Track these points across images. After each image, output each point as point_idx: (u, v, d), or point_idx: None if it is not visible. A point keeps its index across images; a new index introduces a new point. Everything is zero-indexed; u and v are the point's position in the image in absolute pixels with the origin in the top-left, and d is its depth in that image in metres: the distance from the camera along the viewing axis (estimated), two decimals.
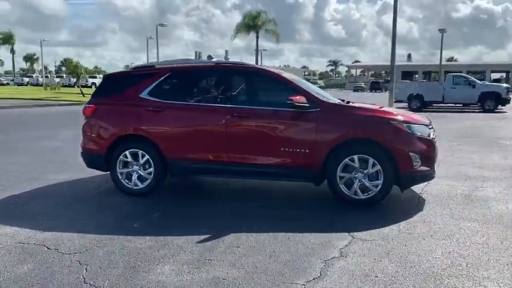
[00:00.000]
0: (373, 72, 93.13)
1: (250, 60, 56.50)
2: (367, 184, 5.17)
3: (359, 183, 5.18)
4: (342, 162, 5.16)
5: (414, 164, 5.10)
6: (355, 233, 4.33)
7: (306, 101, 5.22)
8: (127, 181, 5.75)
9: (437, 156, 5.56)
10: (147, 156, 5.65)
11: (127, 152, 5.70)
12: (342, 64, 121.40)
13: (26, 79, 67.25)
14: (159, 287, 3.23)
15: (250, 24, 49.17)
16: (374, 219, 4.75)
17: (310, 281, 3.32)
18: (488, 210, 5.13)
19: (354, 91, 64.21)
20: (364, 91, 64.06)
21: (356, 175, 5.18)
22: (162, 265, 3.60)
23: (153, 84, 5.77)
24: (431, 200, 5.58)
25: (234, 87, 5.70)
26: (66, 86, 57.38)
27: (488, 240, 4.17)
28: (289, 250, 3.92)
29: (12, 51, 66.40)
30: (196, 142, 5.55)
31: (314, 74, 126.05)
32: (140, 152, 5.66)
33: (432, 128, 5.65)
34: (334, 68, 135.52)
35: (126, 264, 3.62)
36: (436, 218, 4.82)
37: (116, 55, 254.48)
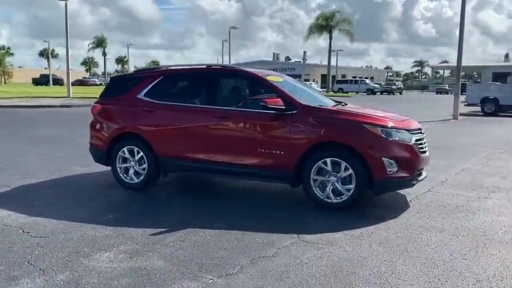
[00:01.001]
0: (463, 73, 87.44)
1: (325, 61, 55.41)
2: (339, 188, 5.12)
3: (332, 187, 5.15)
4: (316, 165, 5.16)
5: (388, 170, 4.96)
6: (305, 236, 4.35)
7: (282, 104, 5.28)
8: (125, 175, 6.19)
9: (423, 162, 5.33)
10: (141, 153, 6.05)
11: (125, 149, 6.14)
12: (427, 65, 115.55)
13: None
14: (85, 271, 3.54)
15: (323, 24, 48.71)
16: (338, 223, 4.73)
17: (221, 276, 3.44)
18: (468, 222, 4.85)
19: (437, 93, 61.10)
20: (448, 93, 60.52)
21: (329, 178, 5.15)
22: (104, 252, 3.91)
23: (149, 86, 6.16)
24: (417, 207, 5.39)
25: (219, 89, 5.90)
26: None
27: (436, 252, 3.98)
28: (227, 247, 4.05)
29: (104, 54, 71.88)
30: (183, 141, 5.85)
31: (398, 75, 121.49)
32: (135, 149, 6.08)
33: (420, 133, 5.44)
34: (420, 68, 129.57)
35: (73, 249, 3.98)
36: (401, 227, 4.66)
37: (203, 57, 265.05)
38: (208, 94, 5.85)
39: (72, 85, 32.16)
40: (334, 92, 55.27)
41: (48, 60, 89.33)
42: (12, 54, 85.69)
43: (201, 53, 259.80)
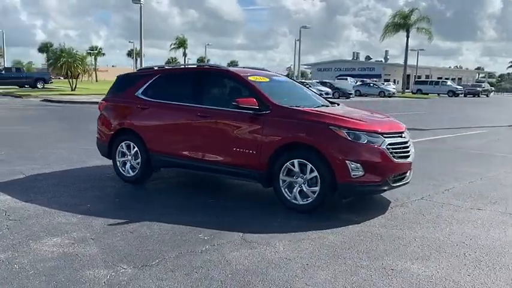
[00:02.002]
0: None
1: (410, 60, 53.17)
2: (305, 190, 5.05)
3: (299, 188, 5.09)
4: (284, 165, 5.13)
5: (353, 174, 4.81)
6: (249, 235, 4.37)
7: (255, 104, 5.31)
8: (123, 169, 6.57)
9: (398, 168, 5.08)
10: (136, 148, 6.38)
11: (123, 143, 6.52)
12: None
13: None
14: (24, 253, 3.85)
15: (400, 23, 46.77)
16: (294, 224, 4.72)
17: (136, 267, 3.60)
18: (434, 233, 4.57)
19: None
20: None
21: (296, 180, 5.10)
22: (54, 238, 4.22)
23: (146, 85, 6.48)
24: (393, 214, 5.18)
25: (204, 89, 6.03)
26: None
27: (370, 260, 3.81)
28: (167, 240, 4.20)
29: (184, 54, 75.06)
30: (170, 138, 6.09)
31: (491, 76, 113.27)
32: (132, 144, 6.43)
33: (399, 136, 5.20)
34: None
35: (31, 233, 4.35)
36: (355, 233, 4.51)
37: (285, 57, 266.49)
38: (194, 93, 6.02)
39: None
40: (413, 93, 52.89)
41: (135, 60, 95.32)
42: (103, 54, 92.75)
43: (284, 52, 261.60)
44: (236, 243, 4.13)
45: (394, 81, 64.42)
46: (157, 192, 6.23)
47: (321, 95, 30.30)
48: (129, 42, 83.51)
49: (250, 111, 5.35)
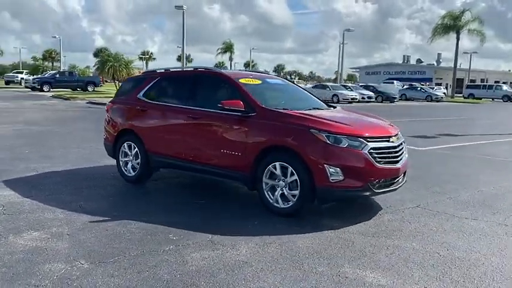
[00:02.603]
0: None
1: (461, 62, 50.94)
2: (286, 193, 5.00)
3: (280, 192, 5.05)
4: (267, 168, 5.11)
5: (332, 178, 4.71)
6: (219, 236, 4.38)
7: (241, 106, 5.32)
8: (125, 168, 6.77)
9: (383, 173, 4.92)
10: (136, 149, 6.56)
11: (125, 144, 6.73)
12: None
13: None
14: (3, 245, 4.06)
15: (450, 24, 45.04)
16: (269, 228, 4.66)
17: (93, 263, 3.70)
18: (410, 242, 4.39)
19: None
20: None
21: (278, 183, 5.06)
22: (34, 232, 4.42)
23: (147, 87, 6.66)
24: (376, 222, 5.02)
25: (197, 91, 6.10)
26: None
27: (322, 266, 3.71)
28: (136, 239, 4.28)
29: (231, 59, 76.03)
30: (165, 139, 6.21)
31: None
32: (132, 145, 6.62)
33: (386, 141, 5.04)
34: None
35: (16, 227, 4.57)
36: (326, 239, 4.41)
37: (335, 60, 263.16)
38: (188, 95, 6.11)
39: None
40: (464, 97, 50.69)
41: (183, 65, 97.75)
42: (154, 59, 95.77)
43: (334, 56, 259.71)
44: (201, 245, 4.16)
45: (447, 86, 62.01)
46: (154, 192, 6.36)
47: (363, 98, 29.84)
48: (177, 47, 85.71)
49: (238, 114, 5.37)
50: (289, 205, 4.99)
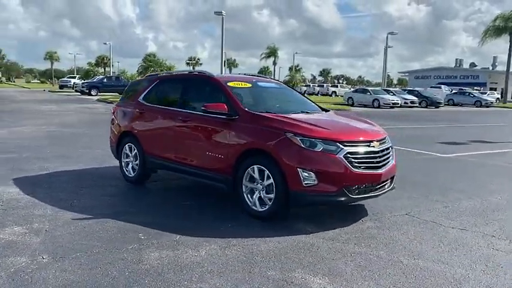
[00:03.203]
0: None
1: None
2: (262, 197, 4.98)
3: (258, 195, 5.04)
4: (246, 171, 5.12)
5: (305, 182, 4.65)
6: (187, 237, 4.43)
7: (224, 109, 5.36)
8: (126, 169, 6.98)
9: (359, 178, 4.80)
10: (135, 150, 6.76)
11: (126, 146, 6.94)
12: None
13: (304, 88, 74.69)
14: None
15: (502, 26, 42.93)
16: (241, 231, 4.66)
17: (54, 258, 3.85)
18: (381, 250, 4.23)
19: None
20: None
21: (256, 186, 5.05)
22: (16, 227, 4.66)
23: (147, 90, 6.84)
24: (352, 229, 4.88)
25: (189, 94, 6.19)
26: (324, 95, 61.03)
27: (264, 269, 3.67)
28: (104, 237, 4.40)
29: (274, 63, 76.22)
30: (159, 141, 6.35)
31: None
32: (132, 146, 6.82)
33: (367, 146, 4.91)
34: None
35: (2, 222, 4.81)
36: (289, 245, 4.34)
37: (387, 65, 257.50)
38: (180, 98, 6.23)
39: None
40: None
41: (229, 69, 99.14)
42: (201, 64, 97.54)
43: (387, 60, 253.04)
44: (165, 245, 4.22)
45: (502, 91, 58.97)
46: (148, 192, 6.50)
47: (405, 103, 28.99)
48: (224, 52, 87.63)
49: (223, 117, 5.41)
50: (265, 208, 4.97)
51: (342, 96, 44.60)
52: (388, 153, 5.21)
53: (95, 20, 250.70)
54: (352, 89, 46.55)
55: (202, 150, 5.63)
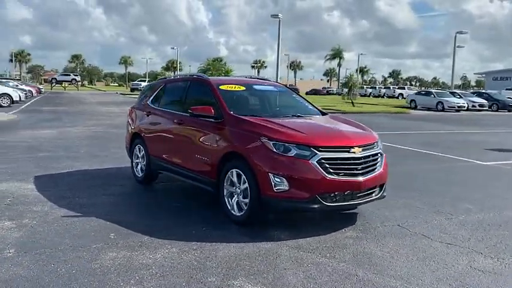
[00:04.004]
0: None
1: None
2: (239, 201, 4.93)
3: (236, 199, 4.99)
4: (227, 175, 5.09)
5: (276, 188, 4.53)
6: (152, 239, 4.49)
7: (211, 112, 5.37)
8: (136, 169, 7.22)
9: (335, 185, 4.59)
10: (143, 151, 6.97)
11: (136, 147, 7.18)
12: None
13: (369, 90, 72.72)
14: None
15: None
16: (205, 235, 4.65)
17: (20, 252, 4.06)
18: (342, 262, 4.02)
19: None
20: None
21: (235, 190, 5.01)
22: (8, 221, 4.94)
23: (155, 93, 7.03)
24: (327, 239, 4.68)
25: (188, 97, 6.23)
26: (390, 97, 59.05)
27: (204, 276, 3.60)
28: (78, 234, 4.59)
29: (339, 65, 75.00)
30: (160, 142, 6.50)
31: None
32: (141, 147, 7.04)
33: (346, 151, 4.69)
34: None
35: (0, 215, 5.19)
36: (247, 252, 4.25)
37: (464, 65, 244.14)
38: (180, 101, 6.32)
39: (307, 94, 34.85)
40: None
41: (294, 72, 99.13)
42: (266, 67, 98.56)
43: (464, 60, 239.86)
44: (127, 245, 4.29)
45: None
46: (149, 193, 6.64)
47: (473, 106, 27.43)
48: (284, 55, 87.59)
49: (211, 120, 5.42)
50: (242, 213, 4.90)
51: None
52: (375, 160, 4.94)
53: (170, 27, 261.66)
54: (415, 91, 44.55)
55: (192, 153, 5.67)
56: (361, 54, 66.51)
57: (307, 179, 4.51)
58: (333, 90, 76.30)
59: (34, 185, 6.70)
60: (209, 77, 6.20)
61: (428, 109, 33.22)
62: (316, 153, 4.54)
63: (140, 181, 7.04)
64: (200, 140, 5.56)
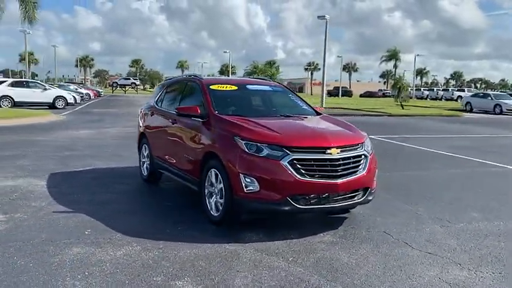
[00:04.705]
0: None
1: None
2: (216, 201, 4.88)
3: (214, 199, 4.94)
4: (207, 174, 5.05)
5: (247, 188, 4.44)
6: (124, 236, 4.53)
7: (196, 111, 5.37)
8: (142, 169, 7.36)
9: (309, 187, 4.42)
10: (148, 150, 7.10)
11: (143, 146, 7.33)
12: None
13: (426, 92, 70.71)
14: None
15: None
16: (187, 234, 4.63)
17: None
18: (299, 267, 3.85)
19: None
20: None
21: (214, 190, 4.96)
22: (3, 214, 5.20)
23: (159, 94, 7.14)
24: (299, 243, 4.51)
25: (183, 97, 6.25)
26: (448, 100, 56.82)
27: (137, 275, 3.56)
28: (58, 229, 4.72)
29: (395, 66, 72.48)
30: (159, 142, 6.59)
31: None
32: (146, 147, 7.17)
33: (322, 152, 4.51)
34: None
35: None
36: (210, 254, 4.17)
37: None
38: (176, 101, 6.36)
39: (361, 96, 34.07)
40: None
41: (349, 73, 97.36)
42: (319, 69, 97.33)
43: None
44: (95, 242, 4.34)
45: None
46: (148, 191, 6.71)
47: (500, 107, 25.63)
48: (337, 56, 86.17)
49: (199, 119, 5.41)
50: (218, 213, 4.84)
51: None
52: (356, 162, 4.69)
53: (229, 31, 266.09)
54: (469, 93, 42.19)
55: (182, 152, 5.70)
56: (418, 55, 64.42)
57: (277, 180, 4.37)
58: (389, 93, 74.06)
59: (45, 182, 6.99)
60: (202, 77, 6.19)
61: (486, 112, 31.36)
62: (288, 154, 4.39)
63: (146, 180, 7.16)
64: (188, 139, 5.57)
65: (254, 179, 4.41)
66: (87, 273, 3.62)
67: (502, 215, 5.57)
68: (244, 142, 4.53)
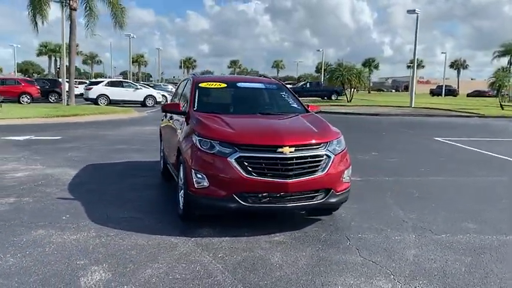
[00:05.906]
0: None
1: None
2: (181, 196, 5.01)
3: (180, 194, 5.09)
4: (180, 170, 5.21)
5: (198, 184, 4.53)
6: (104, 227, 4.72)
7: (178, 108, 5.59)
8: (161, 162, 7.73)
9: (253, 185, 4.36)
10: (161, 146, 7.48)
11: (161, 142, 7.72)
12: None
13: None
14: None
15: None
16: (158, 228, 4.79)
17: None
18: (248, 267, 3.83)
19: None
20: None
21: (181, 185, 5.10)
22: (15, 197, 5.82)
23: (175, 92, 7.47)
24: (256, 242, 4.46)
25: (184, 94, 6.42)
26: None
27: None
28: (48, 214, 5.18)
29: (510, 63, 65.59)
30: (163, 138, 6.91)
31: None
32: (162, 143, 7.55)
33: (273, 151, 4.42)
34: None
35: (10, 193, 6.10)
36: (146, 246, 4.29)
37: None
38: (178, 98, 6.62)
39: (468, 96, 31.55)
40: None
41: (458, 72, 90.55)
42: (423, 66, 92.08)
43: None
44: (63, 227, 4.68)
45: None
46: (157, 184, 7.04)
47: None
48: (441, 53, 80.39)
49: (182, 116, 5.58)
50: (181, 208, 4.97)
51: None
52: (315, 162, 4.49)
53: (333, 29, 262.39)
54: None
55: (172, 147, 5.92)
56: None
57: (224, 177, 4.38)
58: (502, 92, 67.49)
59: (76, 171, 7.66)
60: (197, 76, 6.35)
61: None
62: (236, 151, 4.37)
63: (162, 173, 7.50)
64: (174, 135, 5.77)
65: (204, 176, 4.46)
66: (28, 252, 3.97)
67: (505, 229, 4.93)
68: (198, 139, 4.61)
